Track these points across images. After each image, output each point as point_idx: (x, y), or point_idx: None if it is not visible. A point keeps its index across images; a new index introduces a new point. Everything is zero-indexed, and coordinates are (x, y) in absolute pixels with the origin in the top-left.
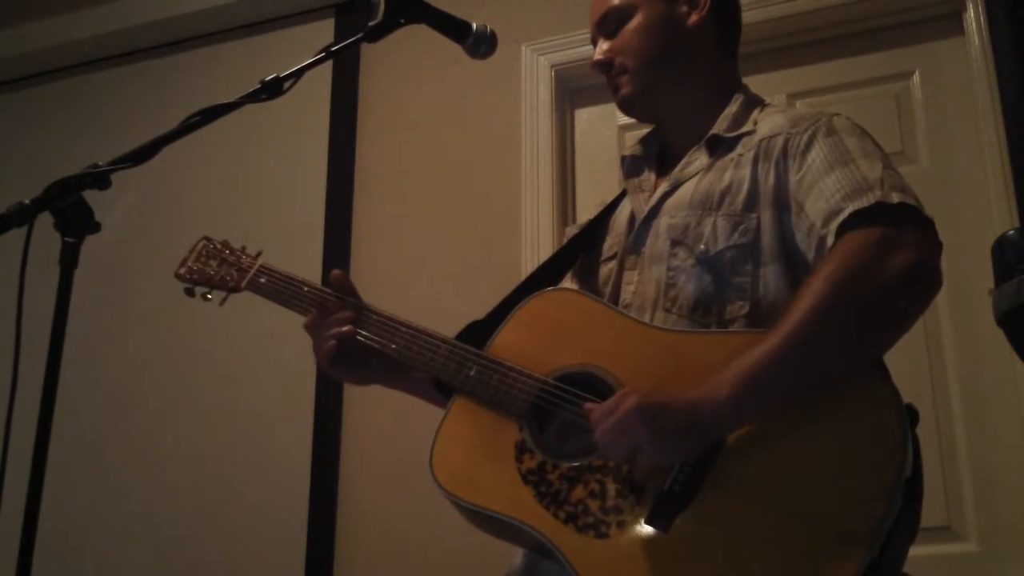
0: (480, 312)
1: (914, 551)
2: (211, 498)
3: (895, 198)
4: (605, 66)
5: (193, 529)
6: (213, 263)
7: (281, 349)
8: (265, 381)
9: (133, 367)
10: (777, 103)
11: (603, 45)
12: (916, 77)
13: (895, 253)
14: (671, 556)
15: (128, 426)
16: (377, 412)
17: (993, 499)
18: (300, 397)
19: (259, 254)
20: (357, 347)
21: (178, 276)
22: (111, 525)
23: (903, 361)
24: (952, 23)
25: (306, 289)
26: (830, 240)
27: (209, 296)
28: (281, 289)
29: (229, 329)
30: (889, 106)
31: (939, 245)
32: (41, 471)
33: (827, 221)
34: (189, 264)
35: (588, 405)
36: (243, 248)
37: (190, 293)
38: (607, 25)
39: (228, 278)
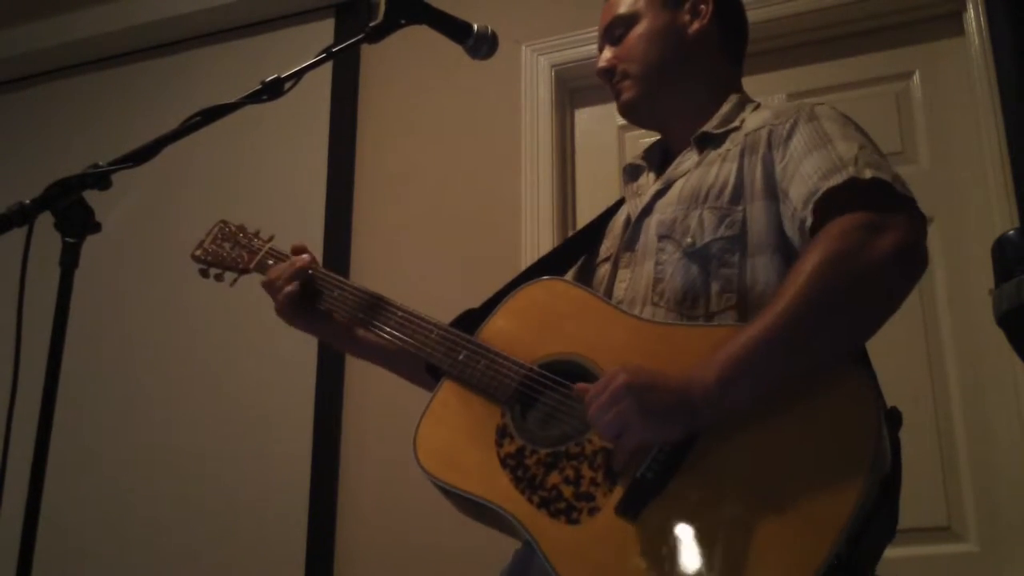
0: None
1: (914, 551)
2: (211, 498)
3: (868, 173)
4: (608, 73)
5: (193, 529)
6: (227, 245)
7: (281, 349)
8: (265, 381)
9: (133, 367)
10: (774, 102)
11: (607, 53)
12: (916, 77)
13: (880, 235)
14: (639, 543)
15: (128, 426)
16: (377, 412)
17: (993, 499)
18: (300, 397)
19: (271, 238)
20: (317, 303)
21: (194, 257)
22: (111, 525)
23: (903, 361)
24: (952, 23)
25: (310, 272)
26: (809, 221)
27: (221, 278)
28: None
29: (230, 329)
30: (889, 106)
31: (923, 221)
32: (41, 471)
33: (806, 203)
34: (205, 246)
35: (581, 385)
36: (257, 232)
37: (204, 274)
38: (613, 33)
39: (239, 259)
